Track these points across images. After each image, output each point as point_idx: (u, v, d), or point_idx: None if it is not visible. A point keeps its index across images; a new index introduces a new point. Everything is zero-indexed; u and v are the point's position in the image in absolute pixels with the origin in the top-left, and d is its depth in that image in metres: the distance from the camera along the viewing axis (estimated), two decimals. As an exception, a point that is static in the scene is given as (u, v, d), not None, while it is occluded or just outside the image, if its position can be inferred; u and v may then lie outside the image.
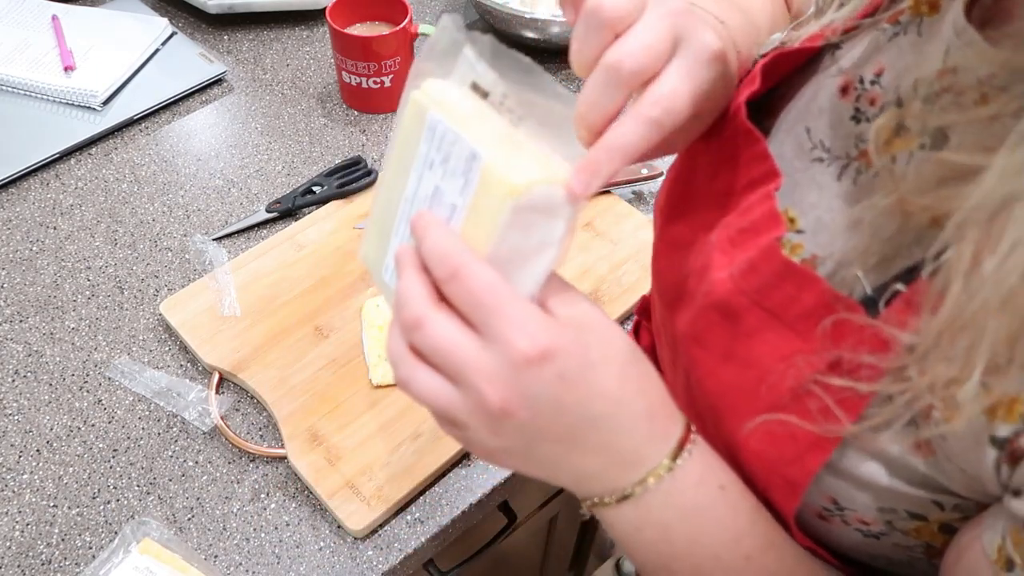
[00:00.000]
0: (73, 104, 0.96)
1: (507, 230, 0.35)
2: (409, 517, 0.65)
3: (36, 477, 0.67)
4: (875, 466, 0.37)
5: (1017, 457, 0.32)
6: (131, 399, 0.72)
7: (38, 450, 0.69)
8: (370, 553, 0.63)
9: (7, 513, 0.65)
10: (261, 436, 0.70)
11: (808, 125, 0.43)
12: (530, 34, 1.02)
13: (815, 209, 0.41)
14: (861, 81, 0.40)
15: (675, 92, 0.35)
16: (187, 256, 0.83)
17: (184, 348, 0.75)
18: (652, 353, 0.59)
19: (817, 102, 0.43)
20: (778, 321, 0.40)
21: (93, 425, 0.70)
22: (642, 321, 0.65)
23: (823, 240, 0.40)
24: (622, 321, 0.78)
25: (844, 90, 0.41)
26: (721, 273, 0.42)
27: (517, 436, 0.35)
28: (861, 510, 0.40)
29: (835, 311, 0.37)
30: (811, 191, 0.42)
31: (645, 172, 0.88)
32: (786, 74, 0.46)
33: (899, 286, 0.35)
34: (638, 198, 0.89)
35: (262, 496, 0.66)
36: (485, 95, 0.38)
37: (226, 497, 0.66)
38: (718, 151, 0.45)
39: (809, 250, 0.41)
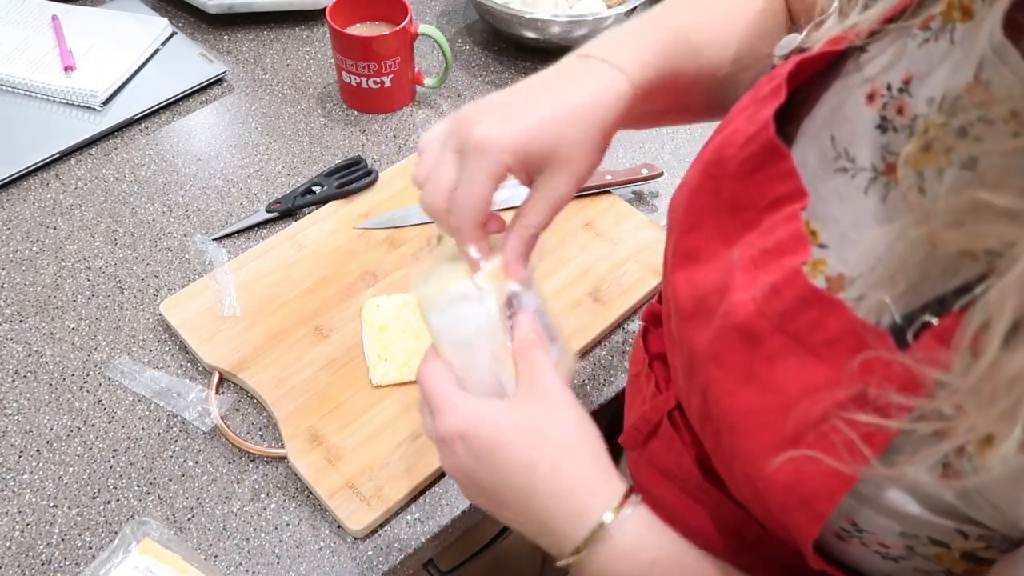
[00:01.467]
0: (73, 104, 0.96)
1: (438, 334, 0.45)
2: (409, 517, 0.65)
3: (36, 477, 0.67)
4: (900, 494, 0.37)
5: None
6: (131, 399, 0.72)
7: (38, 450, 0.69)
8: (370, 553, 0.63)
9: (7, 513, 0.65)
10: (261, 436, 0.70)
11: (833, 133, 0.41)
12: (530, 34, 1.02)
13: (839, 223, 0.40)
14: (889, 88, 0.39)
15: (532, 220, 0.46)
16: (187, 256, 0.83)
17: (184, 348, 0.75)
18: (663, 361, 0.59)
19: (843, 110, 0.41)
20: (801, 347, 0.39)
21: (93, 425, 0.70)
22: (650, 328, 0.63)
23: (849, 258, 0.39)
24: (624, 321, 0.78)
25: (871, 97, 0.40)
26: (743, 295, 0.41)
27: (467, 490, 0.46)
28: (882, 534, 0.39)
29: (861, 339, 0.36)
30: (835, 203, 0.40)
31: (645, 172, 0.88)
32: (809, 78, 0.45)
33: (929, 318, 0.34)
34: (638, 198, 0.89)
35: (262, 496, 0.66)
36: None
37: (226, 497, 0.66)
38: (743, 164, 0.44)
39: (834, 267, 0.40)
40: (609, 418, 0.79)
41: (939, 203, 0.35)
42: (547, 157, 0.45)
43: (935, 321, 0.34)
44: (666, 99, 0.50)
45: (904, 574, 0.41)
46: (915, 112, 0.37)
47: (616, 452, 0.94)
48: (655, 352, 0.59)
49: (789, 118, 0.45)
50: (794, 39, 0.46)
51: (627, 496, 0.42)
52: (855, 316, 0.37)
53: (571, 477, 0.41)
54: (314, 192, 0.87)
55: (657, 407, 0.55)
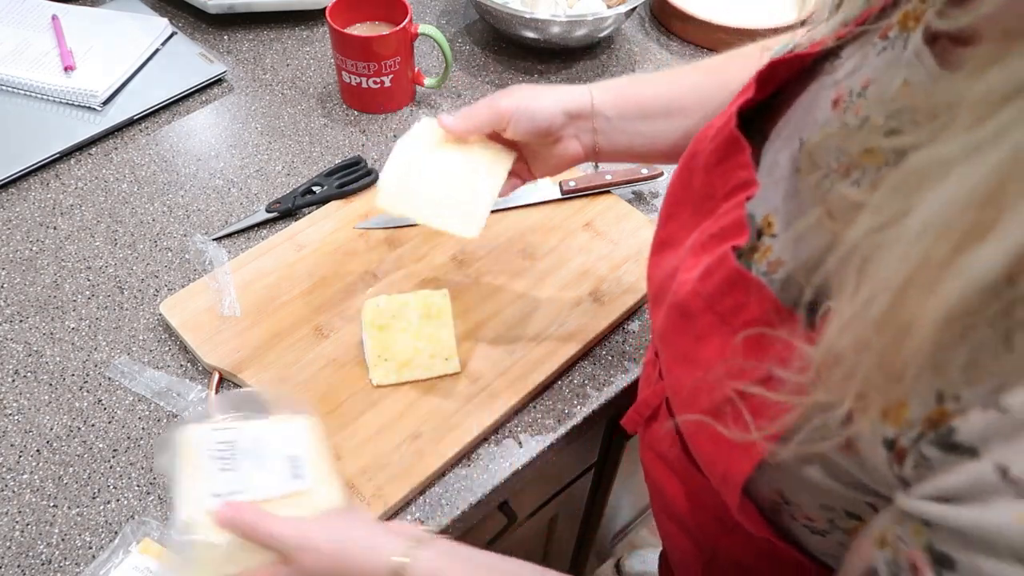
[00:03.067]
0: (73, 104, 0.96)
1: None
2: (409, 517, 0.65)
3: (36, 477, 0.67)
4: (814, 467, 0.38)
5: (902, 457, 0.33)
6: (131, 399, 0.72)
7: (38, 450, 0.69)
8: (370, 553, 0.63)
9: (7, 513, 0.65)
10: (261, 436, 0.70)
11: (802, 135, 0.43)
12: (530, 34, 1.02)
13: (791, 216, 0.42)
14: (851, 93, 0.41)
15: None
16: (187, 256, 0.83)
17: (184, 348, 0.75)
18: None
19: (812, 113, 0.43)
20: (727, 327, 0.41)
21: (93, 425, 0.70)
22: None
23: (789, 246, 0.42)
24: (626, 318, 0.78)
25: (836, 102, 0.42)
26: (686, 275, 0.44)
27: None
28: (806, 506, 0.41)
29: (774, 321, 0.38)
30: (792, 198, 0.42)
31: (645, 172, 0.88)
32: (787, 80, 0.47)
33: (829, 301, 0.35)
34: (638, 198, 0.89)
35: (262, 496, 0.66)
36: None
37: (226, 497, 0.66)
38: (709, 156, 0.47)
39: (776, 253, 0.42)
40: (610, 418, 0.79)
41: (831, 196, 0.37)
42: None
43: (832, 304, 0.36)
44: (640, 126, 0.62)
45: (834, 550, 0.43)
46: (866, 114, 0.39)
47: (618, 450, 0.94)
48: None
49: (770, 116, 0.47)
50: (788, 43, 0.48)
51: (419, 543, 0.50)
52: (774, 297, 0.39)
53: (363, 557, 0.50)
54: (314, 192, 0.87)
55: (657, 392, 0.58)
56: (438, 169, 0.65)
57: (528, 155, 0.67)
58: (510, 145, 0.66)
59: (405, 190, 0.64)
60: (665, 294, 0.48)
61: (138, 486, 0.66)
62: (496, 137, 0.65)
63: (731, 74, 0.57)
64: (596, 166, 0.66)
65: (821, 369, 0.33)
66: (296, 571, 0.50)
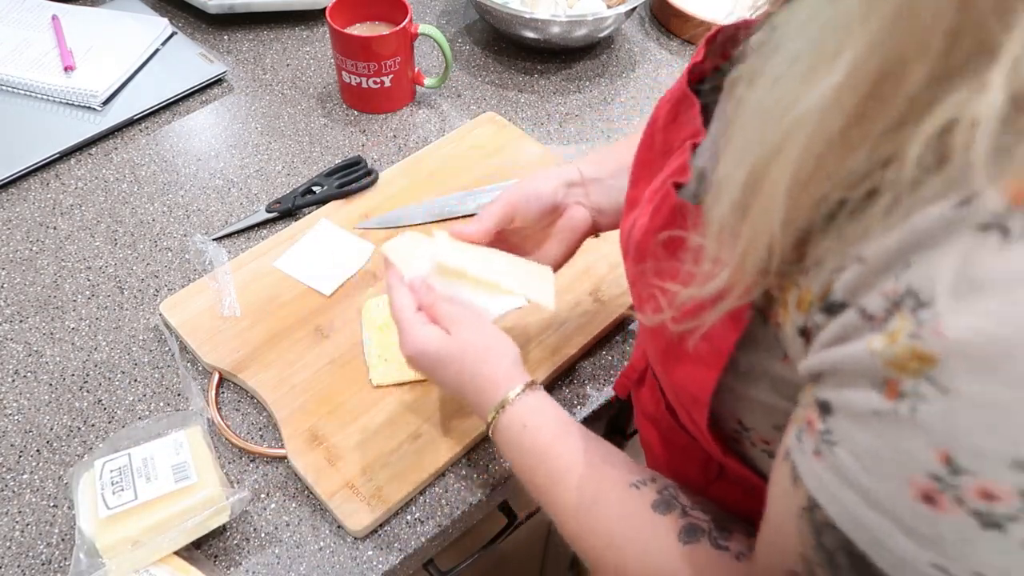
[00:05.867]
0: (73, 104, 0.96)
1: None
2: (409, 517, 0.65)
3: (36, 477, 0.67)
4: (753, 380, 0.39)
5: (809, 338, 0.33)
6: (131, 399, 0.72)
7: (38, 450, 0.69)
8: (370, 553, 0.63)
9: (7, 513, 0.65)
10: (261, 436, 0.70)
11: None
12: (530, 34, 1.02)
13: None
14: None
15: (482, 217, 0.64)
16: (187, 256, 0.83)
17: (184, 348, 0.75)
18: None
19: None
20: (672, 256, 0.43)
21: (93, 425, 0.70)
22: None
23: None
24: (624, 321, 0.78)
25: None
26: (641, 220, 0.47)
27: (423, 372, 0.60)
28: (760, 429, 0.41)
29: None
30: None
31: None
32: (737, 47, 0.49)
33: None
34: (638, 198, 0.89)
35: (262, 496, 0.66)
36: None
37: (226, 497, 0.66)
38: (667, 115, 0.49)
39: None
40: (610, 418, 0.79)
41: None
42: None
43: None
44: (621, 182, 0.63)
45: None
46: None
47: (620, 446, 0.94)
48: None
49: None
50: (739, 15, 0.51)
51: (527, 387, 0.56)
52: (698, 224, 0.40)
53: (482, 381, 0.57)
54: (314, 192, 0.87)
55: (643, 356, 0.60)
56: (485, 258, 0.63)
57: (542, 243, 0.67)
58: (519, 244, 0.67)
59: (462, 259, 0.61)
60: (628, 244, 0.49)
61: (138, 486, 0.66)
62: (507, 240, 0.66)
63: None
64: (597, 235, 0.70)
65: (710, 248, 0.35)
66: (446, 340, 0.57)
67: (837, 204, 0.31)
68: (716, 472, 0.52)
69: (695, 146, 0.46)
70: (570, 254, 0.68)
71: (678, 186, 0.44)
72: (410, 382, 0.71)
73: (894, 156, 0.28)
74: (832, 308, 0.31)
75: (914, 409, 0.27)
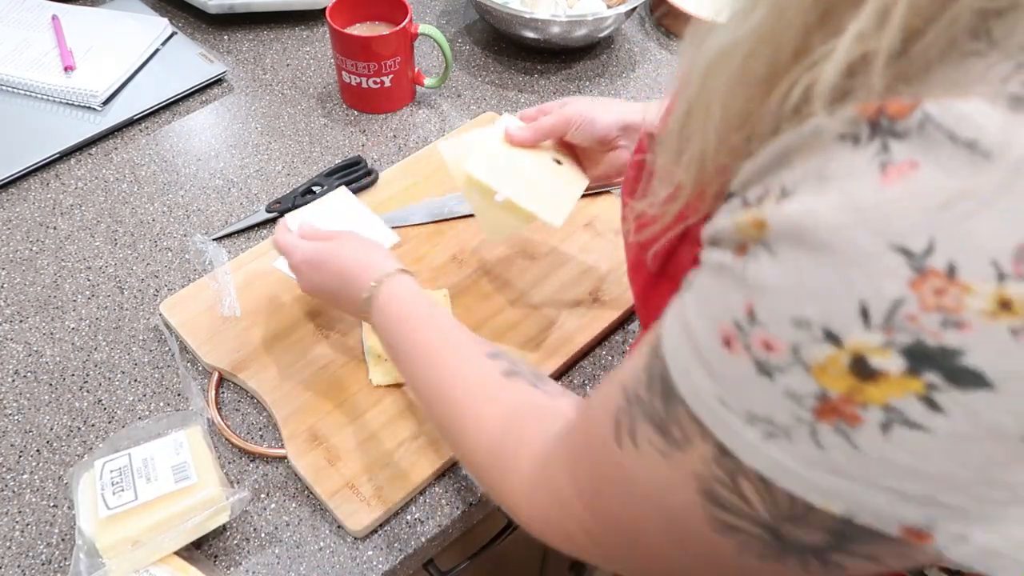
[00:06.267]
0: (73, 104, 0.96)
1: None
2: (409, 517, 0.65)
3: (36, 477, 0.67)
4: None
5: None
6: (131, 399, 0.72)
7: (38, 450, 0.69)
8: (370, 553, 0.63)
9: (7, 513, 0.65)
10: (261, 436, 0.70)
11: None
12: (530, 34, 1.02)
13: None
14: None
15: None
16: (187, 256, 0.83)
17: (184, 348, 0.75)
18: None
19: None
20: (639, 179, 0.46)
21: (93, 425, 0.70)
22: None
23: None
24: (626, 318, 0.78)
25: None
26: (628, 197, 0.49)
27: (316, 294, 0.68)
28: None
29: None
30: None
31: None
32: None
33: None
34: (638, 198, 0.89)
35: (262, 496, 0.66)
36: None
37: (226, 497, 0.66)
38: None
39: None
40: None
41: None
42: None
43: None
44: None
45: None
46: None
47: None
48: None
49: None
50: None
51: (400, 271, 0.62)
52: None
53: (364, 265, 0.63)
54: (314, 192, 0.87)
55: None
56: (527, 160, 0.70)
57: (584, 158, 0.74)
58: (569, 147, 0.74)
59: (495, 167, 0.68)
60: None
61: (138, 486, 0.66)
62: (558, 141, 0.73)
63: None
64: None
65: (662, 169, 0.39)
66: (326, 246, 0.65)
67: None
68: None
69: None
70: (603, 180, 0.75)
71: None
72: None
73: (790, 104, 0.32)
74: (727, 199, 0.35)
75: (745, 266, 0.31)
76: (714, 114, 0.35)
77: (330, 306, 0.73)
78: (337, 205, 0.79)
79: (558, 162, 0.71)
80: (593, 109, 0.70)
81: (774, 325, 0.29)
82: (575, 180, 0.72)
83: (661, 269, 0.44)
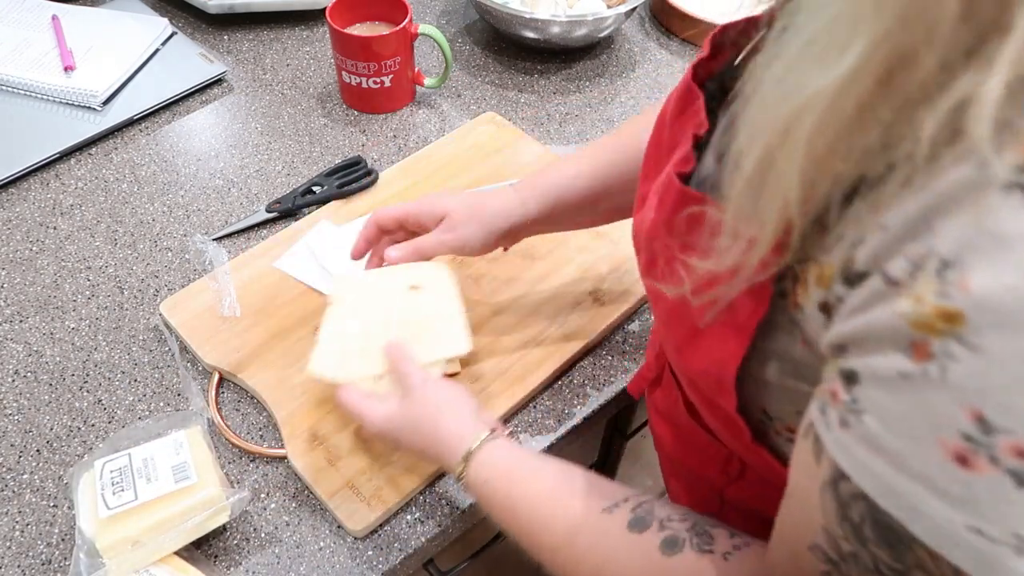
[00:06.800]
0: (73, 104, 0.96)
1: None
2: (409, 517, 0.65)
3: (36, 477, 0.67)
4: (775, 365, 0.39)
5: (830, 313, 0.33)
6: (131, 399, 0.72)
7: (38, 450, 0.69)
8: (370, 553, 0.63)
9: (7, 513, 0.65)
10: (261, 436, 0.70)
11: None
12: (530, 34, 1.02)
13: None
14: None
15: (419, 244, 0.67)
16: (187, 256, 0.83)
17: (184, 348, 0.75)
18: None
19: None
20: (694, 234, 0.43)
21: (93, 425, 0.70)
22: None
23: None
24: (626, 318, 0.78)
25: None
26: (651, 214, 0.47)
27: (396, 442, 0.61)
28: (785, 417, 0.41)
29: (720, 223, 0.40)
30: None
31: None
32: (745, 42, 0.49)
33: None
34: (638, 198, 0.89)
35: (262, 496, 0.66)
36: None
37: (226, 497, 0.66)
38: (673, 110, 0.50)
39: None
40: (610, 418, 0.79)
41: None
42: (446, 215, 0.66)
43: None
44: (571, 215, 0.69)
45: None
46: None
47: (618, 450, 0.93)
48: None
49: (734, 80, 0.49)
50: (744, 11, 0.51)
51: (486, 439, 0.56)
52: (715, 202, 0.40)
53: (445, 433, 0.57)
54: (314, 192, 0.87)
55: (661, 356, 0.59)
56: (379, 317, 0.65)
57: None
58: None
59: (349, 355, 0.64)
60: (640, 240, 0.50)
61: (138, 486, 0.66)
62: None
63: (643, 138, 0.58)
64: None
65: (728, 228, 0.36)
66: (401, 410, 0.59)
67: (855, 181, 0.31)
68: (737, 471, 0.51)
69: (697, 138, 0.46)
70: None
71: (681, 176, 0.44)
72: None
73: (908, 134, 0.28)
74: (854, 278, 0.31)
75: (944, 369, 0.26)
76: (798, 160, 0.31)
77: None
78: (324, 236, 0.75)
79: (414, 288, 0.66)
80: (470, 238, 0.66)
81: (1021, 425, 0.25)
82: (444, 297, 0.66)
83: (713, 319, 0.41)
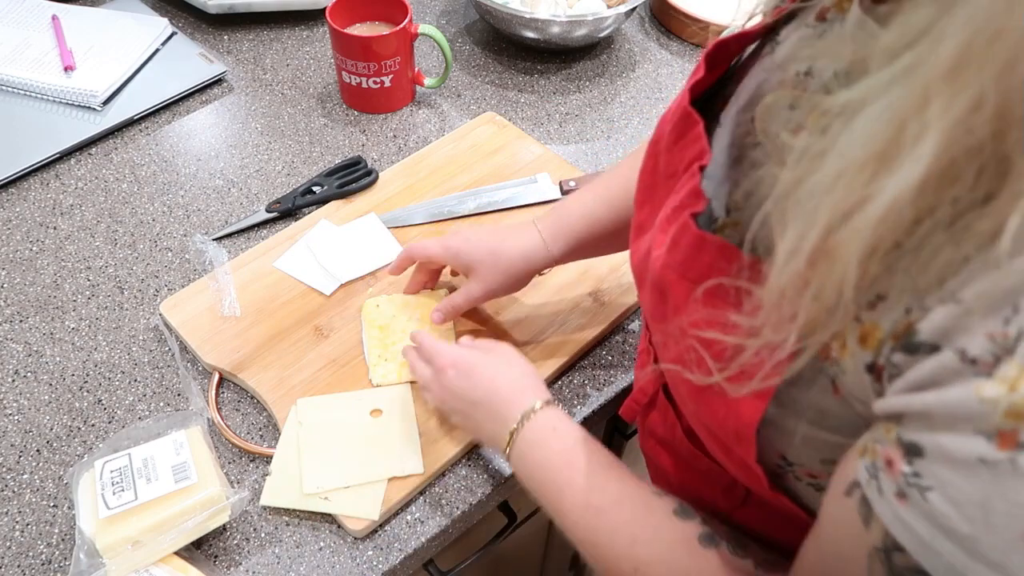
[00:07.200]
0: (73, 104, 0.96)
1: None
2: (409, 517, 0.65)
3: (36, 477, 0.67)
4: (800, 415, 0.39)
5: (880, 375, 0.33)
6: (131, 399, 0.72)
7: (38, 450, 0.69)
8: (370, 553, 0.63)
9: (7, 513, 0.65)
10: (261, 436, 0.70)
11: (754, 114, 0.44)
12: (530, 34, 1.02)
13: (748, 184, 0.43)
14: (798, 74, 0.42)
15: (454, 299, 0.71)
16: (187, 256, 0.83)
17: (184, 348, 0.75)
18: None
19: (760, 92, 0.45)
20: (716, 307, 0.42)
21: (93, 425, 0.70)
22: None
23: (740, 202, 0.43)
24: (626, 318, 0.78)
25: (782, 82, 0.43)
26: (658, 251, 0.46)
27: (450, 404, 0.63)
28: (807, 463, 0.41)
29: (739, 272, 0.39)
30: (751, 170, 0.43)
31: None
32: (742, 61, 0.49)
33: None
34: (638, 198, 0.89)
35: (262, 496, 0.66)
36: None
37: (226, 497, 0.66)
38: (669, 135, 0.49)
39: (735, 216, 0.43)
40: (609, 418, 0.79)
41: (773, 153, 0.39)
42: (471, 269, 0.70)
43: None
44: (593, 249, 0.71)
45: None
46: (818, 81, 0.40)
47: (618, 449, 0.93)
48: None
49: (725, 97, 0.49)
50: (736, 24, 0.50)
51: (548, 402, 0.58)
52: (737, 250, 0.40)
53: (511, 390, 0.60)
54: (314, 192, 0.87)
55: (653, 380, 0.59)
56: (344, 438, 0.67)
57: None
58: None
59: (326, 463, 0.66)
60: (645, 274, 0.49)
61: (138, 486, 0.66)
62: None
63: None
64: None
65: (769, 309, 0.35)
66: (484, 352, 0.63)
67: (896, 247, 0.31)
68: (741, 498, 0.51)
69: (702, 168, 0.45)
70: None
71: (695, 216, 0.43)
72: (410, 382, 0.71)
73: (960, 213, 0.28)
74: (917, 348, 0.30)
75: None
76: (859, 248, 0.31)
77: (452, 417, 0.65)
78: (323, 236, 0.77)
79: (374, 412, 0.69)
80: (502, 281, 0.69)
81: None
82: (404, 419, 0.69)
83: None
